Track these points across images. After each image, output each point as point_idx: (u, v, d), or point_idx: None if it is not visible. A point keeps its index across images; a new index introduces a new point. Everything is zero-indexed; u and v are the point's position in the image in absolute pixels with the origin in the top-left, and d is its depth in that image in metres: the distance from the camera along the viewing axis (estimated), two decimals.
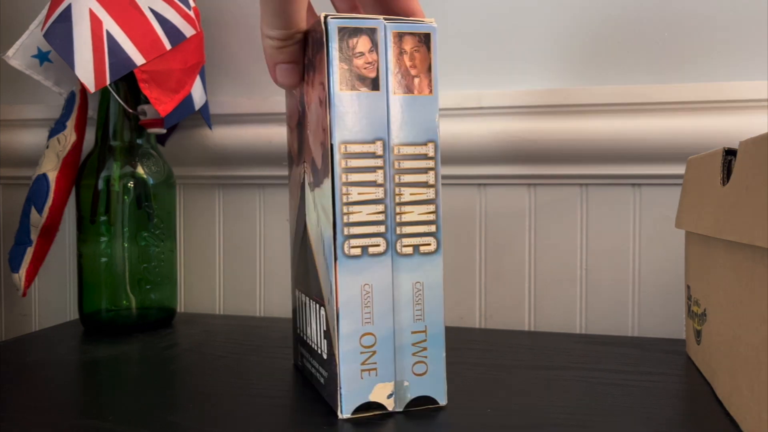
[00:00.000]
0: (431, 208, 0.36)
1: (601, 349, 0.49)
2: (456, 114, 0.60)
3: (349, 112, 0.34)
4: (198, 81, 0.59)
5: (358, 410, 0.35)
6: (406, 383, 0.36)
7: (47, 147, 0.58)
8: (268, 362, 0.46)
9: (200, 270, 0.68)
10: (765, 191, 0.29)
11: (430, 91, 0.35)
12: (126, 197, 0.56)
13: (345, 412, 0.35)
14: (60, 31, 0.51)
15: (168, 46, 0.54)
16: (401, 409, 0.36)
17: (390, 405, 0.36)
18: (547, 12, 0.59)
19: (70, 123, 0.58)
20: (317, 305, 0.38)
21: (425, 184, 0.35)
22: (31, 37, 0.57)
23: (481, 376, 0.43)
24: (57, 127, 0.58)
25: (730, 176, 0.35)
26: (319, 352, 0.38)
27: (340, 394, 0.35)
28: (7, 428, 0.34)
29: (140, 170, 0.56)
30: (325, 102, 0.34)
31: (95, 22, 0.51)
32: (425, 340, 0.36)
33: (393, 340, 0.35)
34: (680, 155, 0.55)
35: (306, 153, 0.39)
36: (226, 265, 0.68)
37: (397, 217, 0.35)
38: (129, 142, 0.57)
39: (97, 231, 0.55)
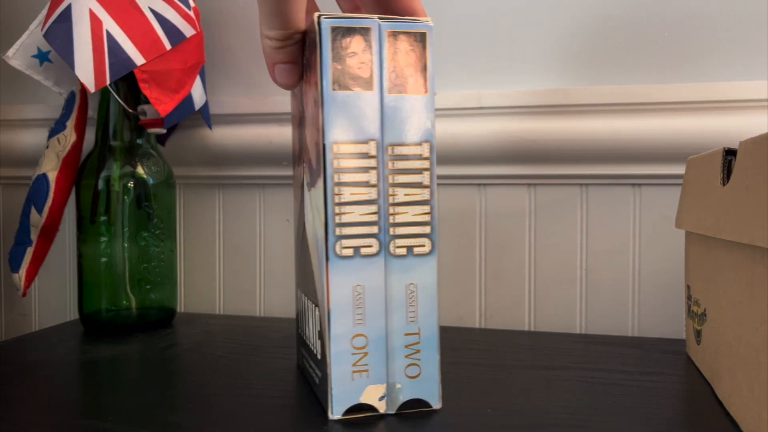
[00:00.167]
0: (426, 209, 0.35)
1: (601, 349, 0.49)
2: (456, 114, 0.60)
3: (341, 112, 0.34)
4: (198, 81, 0.59)
5: (349, 411, 0.35)
6: (398, 385, 0.35)
7: (47, 147, 0.58)
8: (268, 362, 0.46)
9: (200, 270, 0.68)
10: (765, 191, 0.29)
11: (426, 91, 0.35)
12: (126, 197, 0.56)
13: (335, 413, 0.35)
14: (60, 31, 0.51)
15: (168, 46, 0.54)
16: (393, 412, 0.35)
17: (381, 407, 0.35)
18: (547, 12, 0.59)
19: (70, 123, 0.58)
20: (313, 305, 0.38)
21: (420, 185, 0.35)
22: (31, 37, 0.57)
23: (481, 376, 0.43)
24: (57, 127, 0.58)
25: (730, 176, 0.35)
26: (315, 352, 0.38)
27: (331, 395, 0.35)
28: (7, 428, 0.34)
29: (140, 170, 0.56)
30: (319, 102, 0.34)
31: (95, 22, 0.51)
32: (418, 343, 0.35)
33: (385, 341, 0.35)
34: (680, 155, 0.55)
35: (305, 153, 0.39)
36: (226, 265, 0.68)
37: (391, 217, 0.35)
38: (129, 142, 0.57)
39: (97, 231, 0.55)
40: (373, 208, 0.34)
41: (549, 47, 0.59)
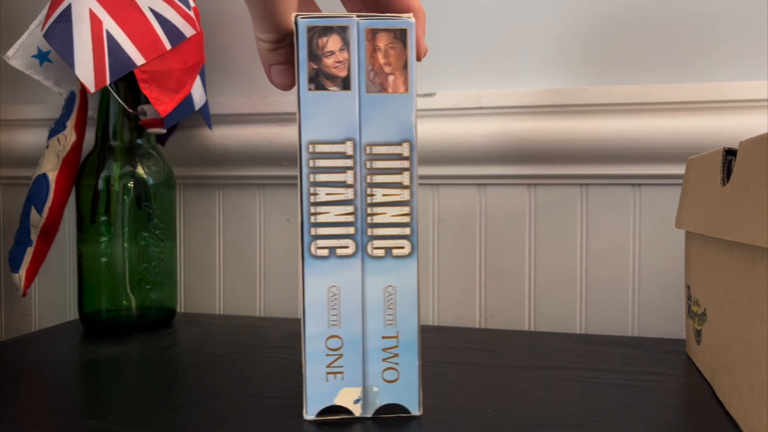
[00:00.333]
0: (406, 209, 0.35)
1: (601, 349, 0.49)
2: (456, 114, 0.60)
3: (317, 111, 0.34)
4: (198, 81, 0.59)
5: (323, 413, 0.35)
6: (375, 389, 0.35)
7: (47, 147, 0.58)
8: (268, 362, 0.46)
9: (200, 270, 0.68)
10: (765, 191, 0.29)
11: (406, 89, 0.34)
12: (126, 197, 0.56)
13: (309, 413, 0.35)
14: (60, 31, 0.51)
15: (168, 46, 0.54)
16: (370, 416, 0.35)
17: (357, 410, 0.35)
18: (547, 12, 0.59)
19: (70, 123, 0.58)
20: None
21: (399, 185, 0.34)
22: (31, 37, 0.57)
23: (481, 376, 0.43)
24: (57, 127, 0.58)
25: (730, 176, 0.35)
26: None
27: (306, 395, 0.34)
28: (7, 428, 0.34)
29: (140, 170, 0.56)
30: (296, 102, 0.34)
31: (95, 22, 0.51)
32: (397, 346, 0.35)
33: (361, 344, 0.34)
34: (680, 155, 0.55)
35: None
36: (226, 265, 0.68)
37: (369, 218, 0.34)
38: (129, 142, 0.57)
39: (97, 231, 0.55)
40: (350, 208, 0.34)
41: (549, 47, 0.59)
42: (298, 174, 0.34)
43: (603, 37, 0.58)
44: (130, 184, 0.56)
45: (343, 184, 0.34)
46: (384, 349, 0.35)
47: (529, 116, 0.58)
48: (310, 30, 0.33)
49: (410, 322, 0.35)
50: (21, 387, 0.41)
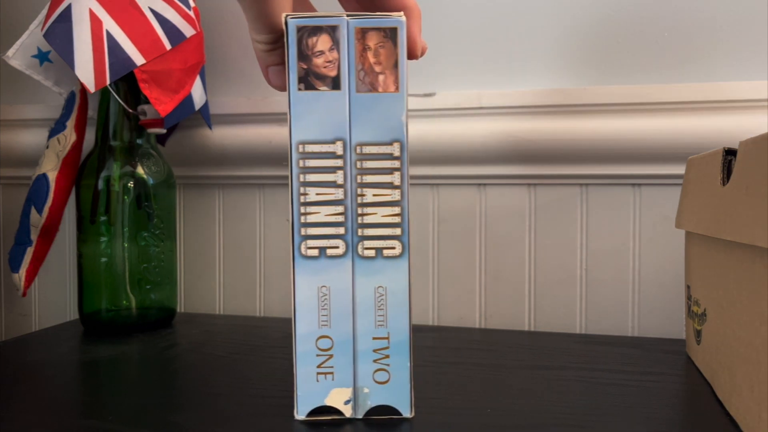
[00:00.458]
0: (396, 210, 0.34)
1: (601, 349, 0.49)
2: (456, 114, 0.60)
3: (307, 111, 0.34)
4: (198, 81, 0.59)
5: (313, 413, 0.35)
6: (366, 390, 0.35)
7: (47, 147, 0.58)
8: (268, 362, 0.46)
9: (200, 270, 0.68)
10: (765, 191, 0.29)
11: (396, 89, 0.34)
12: (126, 197, 0.56)
13: (300, 413, 0.35)
14: (60, 31, 0.51)
15: (168, 46, 0.54)
16: (360, 417, 0.35)
17: (347, 411, 0.35)
18: (547, 12, 0.59)
19: (70, 123, 0.58)
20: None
21: (390, 185, 0.34)
22: (31, 37, 0.57)
23: (480, 376, 0.43)
24: (57, 127, 0.58)
25: (730, 176, 0.35)
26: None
27: (296, 395, 0.35)
28: (7, 428, 0.34)
29: (140, 170, 0.56)
30: (287, 102, 0.34)
31: (95, 22, 0.51)
32: (388, 348, 0.35)
33: (352, 344, 0.34)
34: (680, 155, 0.55)
35: None
36: (226, 265, 0.68)
37: (359, 218, 0.34)
38: (129, 142, 0.57)
39: (97, 231, 0.55)
40: (340, 208, 0.34)
41: (549, 47, 0.59)
42: (289, 174, 0.34)
43: (603, 37, 0.58)
44: (130, 184, 0.56)
45: (333, 184, 0.34)
46: (375, 350, 0.35)
47: (529, 116, 0.58)
48: (300, 30, 0.33)
49: (401, 323, 0.35)
50: (21, 387, 0.41)
